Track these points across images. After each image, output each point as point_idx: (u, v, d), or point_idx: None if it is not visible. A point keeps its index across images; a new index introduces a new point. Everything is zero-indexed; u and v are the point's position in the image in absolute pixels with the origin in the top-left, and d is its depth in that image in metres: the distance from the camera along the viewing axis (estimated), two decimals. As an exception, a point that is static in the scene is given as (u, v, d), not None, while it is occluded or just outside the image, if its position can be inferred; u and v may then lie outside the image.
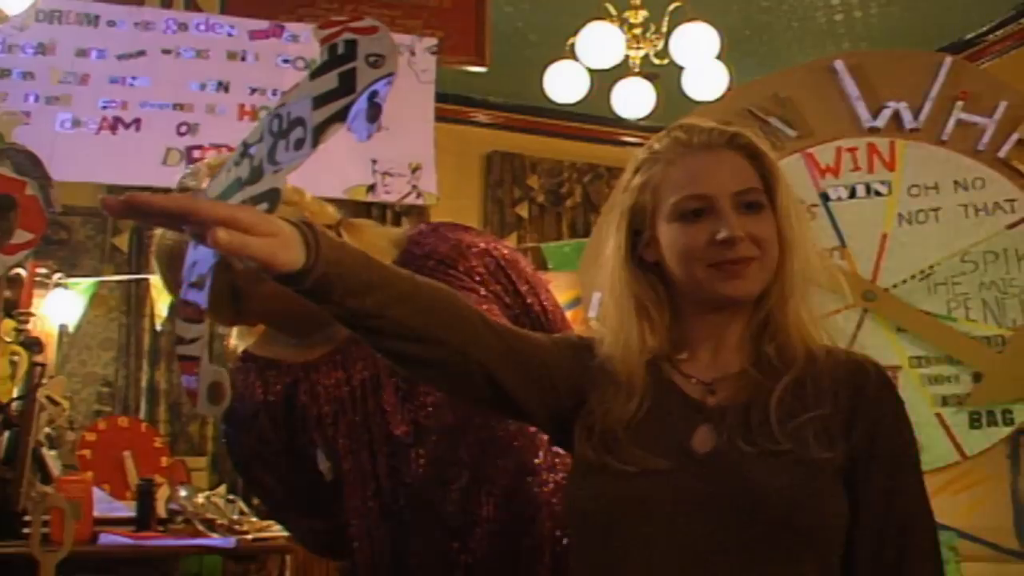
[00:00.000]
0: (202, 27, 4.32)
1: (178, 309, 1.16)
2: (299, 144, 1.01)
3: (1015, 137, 3.08)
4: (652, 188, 1.33)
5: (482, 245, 1.66)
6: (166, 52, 4.23)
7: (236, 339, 1.71)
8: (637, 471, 1.23)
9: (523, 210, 6.03)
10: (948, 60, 3.26)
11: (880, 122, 3.20)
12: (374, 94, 0.96)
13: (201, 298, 1.08)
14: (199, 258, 1.08)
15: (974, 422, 2.94)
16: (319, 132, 1.00)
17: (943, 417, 2.95)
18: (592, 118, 5.61)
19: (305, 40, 4.21)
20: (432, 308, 1.22)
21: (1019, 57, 5.14)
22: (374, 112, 0.95)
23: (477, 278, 1.62)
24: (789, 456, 1.20)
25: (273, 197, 1.03)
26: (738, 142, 1.33)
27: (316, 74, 1.02)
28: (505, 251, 1.69)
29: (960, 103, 3.15)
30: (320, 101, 1.01)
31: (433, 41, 4.46)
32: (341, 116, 0.99)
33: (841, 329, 2.96)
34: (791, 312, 1.30)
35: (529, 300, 1.68)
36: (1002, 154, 3.09)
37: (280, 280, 1.08)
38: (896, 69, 3.29)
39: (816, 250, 1.36)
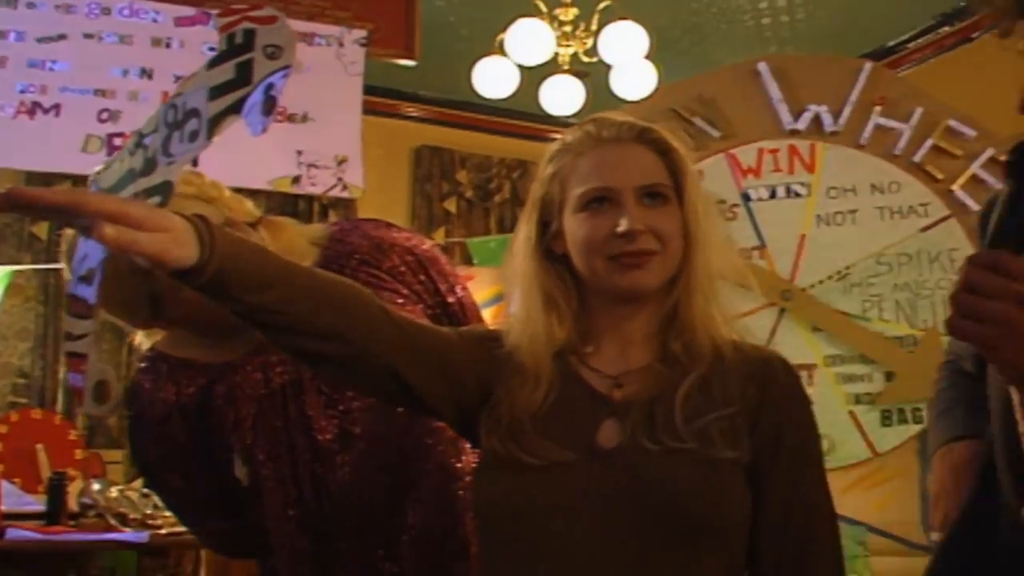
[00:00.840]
0: (126, 12, 4.23)
1: (67, 304, 1.13)
2: (193, 136, 0.99)
3: (930, 143, 3.16)
4: (560, 179, 1.33)
5: (403, 243, 1.64)
6: (88, 36, 4.14)
7: (143, 336, 1.65)
8: (543, 464, 1.23)
9: (451, 205, 6.01)
10: (868, 66, 3.33)
11: (801, 124, 3.26)
12: (270, 86, 0.94)
13: (90, 293, 1.05)
14: (89, 252, 1.05)
15: (885, 420, 3.01)
16: (214, 124, 0.98)
17: (856, 415, 3.02)
18: (521, 114, 5.61)
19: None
20: (333, 304, 1.21)
21: (938, 65, 5.25)
22: (269, 105, 0.93)
23: (399, 277, 1.60)
24: (692, 454, 1.21)
25: (166, 190, 1.01)
26: (647, 137, 1.33)
27: (213, 64, 1.00)
28: (425, 248, 1.68)
29: (878, 108, 3.22)
30: (216, 92, 0.99)
31: (362, 33, 4.43)
32: (236, 108, 0.97)
33: (760, 327, 3.01)
34: (697, 307, 1.31)
35: (449, 298, 1.67)
36: (917, 159, 3.17)
37: (175, 276, 1.06)
38: (818, 73, 3.35)
39: (725, 247, 1.37)
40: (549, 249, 1.35)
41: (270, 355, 1.54)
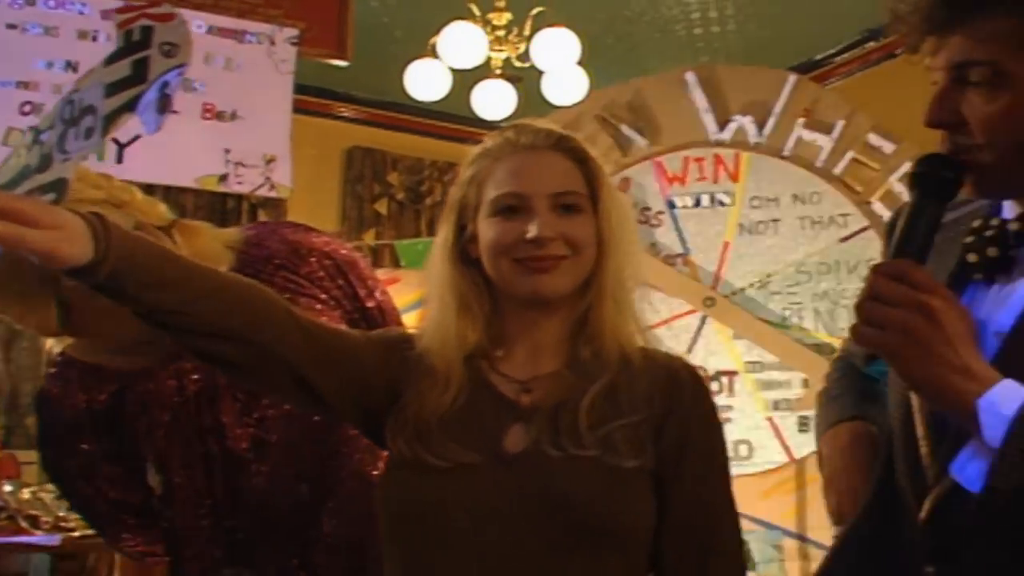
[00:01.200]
0: (52, 3, 4.14)
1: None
2: (89, 133, 0.98)
3: (850, 155, 3.22)
4: (477, 183, 1.33)
5: (322, 247, 1.63)
6: (11, 27, 4.04)
7: (54, 341, 1.60)
8: (449, 467, 1.23)
9: (382, 207, 5.98)
10: (792, 78, 3.39)
11: (727, 134, 3.31)
12: (165, 84, 0.93)
13: None
14: None
15: (803, 426, 3.06)
16: (109, 121, 0.97)
17: (774, 421, 3.07)
18: (454, 117, 5.59)
19: (160, 23, 4.08)
20: (236, 305, 1.20)
21: (863, 79, 5.36)
22: (164, 103, 0.92)
23: (317, 282, 1.59)
24: (595, 461, 1.22)
25: (60, 187, 0.99)
26: (565, 145, 1.34)
27: (111, 60, 0.99)
28: (344, 252, 1.66)
29: (802, 120, 3.28)
30: (112, 89, 0.97)
31: (294, 32, 4.38)
32: (131, 106, 0.96)
33: (682, 333, 3.05)
34: (607, 315, 1.31)
35: (368, 303, 1.66)
36: (838, 171, 3.23)
37: (70, 275, 1.04)
38: (744, 84, 3.41)
39: (639, 256, 1.38)
40: (465, 252, 1.35)
41: (184, 362, 1.52)
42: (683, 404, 1.30)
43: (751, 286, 3.15)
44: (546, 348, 1.33)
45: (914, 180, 1.16)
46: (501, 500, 1.22)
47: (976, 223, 1.20)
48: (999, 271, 1.17)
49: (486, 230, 1.31)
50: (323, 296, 1.59)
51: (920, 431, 1.17)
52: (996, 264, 1.17)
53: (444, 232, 1.37)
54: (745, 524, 3.06)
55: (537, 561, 1.20)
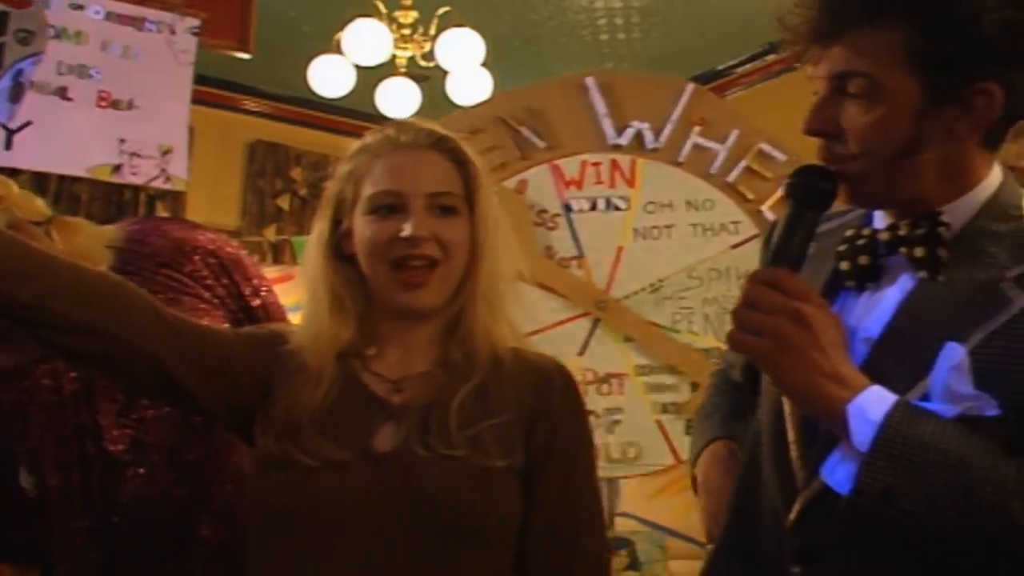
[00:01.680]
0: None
1: None
2: (-62, 118, 0.95)
3: (743, 164, 3.28)
4: (355, 179, 1.34)
5: (206, 245, 1.61)
6: None
7: None
8: (318, 465, 1.23)
9: (284, 202, 5.93)
10: (690, 87, 3.44)
11: (624, 140, 3.34)
12: (19, 72, 0.91)
13: None
14: None
15: (690, 428, 3.09)
16: (-43, 107, 0.94)
17: (662, 423, 3.11)
18: (358, 114, 5.56)
19: (56, 6, 3.98)
20: (97, 300, 1.18)
21: (764, 90, 5.49)
22: (17, 91, 0.90)
23: (201, 281, 1.57)
24: (463, 461, 1.24)
25: None
26: (444, 146, 1.35)
27: (-38, 45, 0.96)
28: (229, 250, 1.65)
29: (697, 128, 3.33)
30: None
31: (195, 22, 4.29)
32: (-19, 92, 0.93)
33: (574, 335, 3.08)
34: (480, 317, 1.33)
35: (253, 302, 1.65)
36: (731, 179, 3.29)
37: None
38: (643, 91, 3.44)
39: (515, 259, 1.40)
40: (340, 249, 1.35)
41: (60, 361, 1.49)
42: (552, 405, 1.32)
43: (643, 290, 3.18)
44: (418, 348, 1.34)
45: (789, 191, 1.20)
46: (369, 499, 1.22)
47: (849, 232, 1.24)
48: (869, 279, 1.22)
49: (362, 228, 1.31)
50: (206, 295, 1.58)
51: (791, 435, 1.21)
52: (866, 272, 1.22)
53: (320, 227, 1.37)
54: (632, 524, 3.11)
55: (405, 560, 1.21)
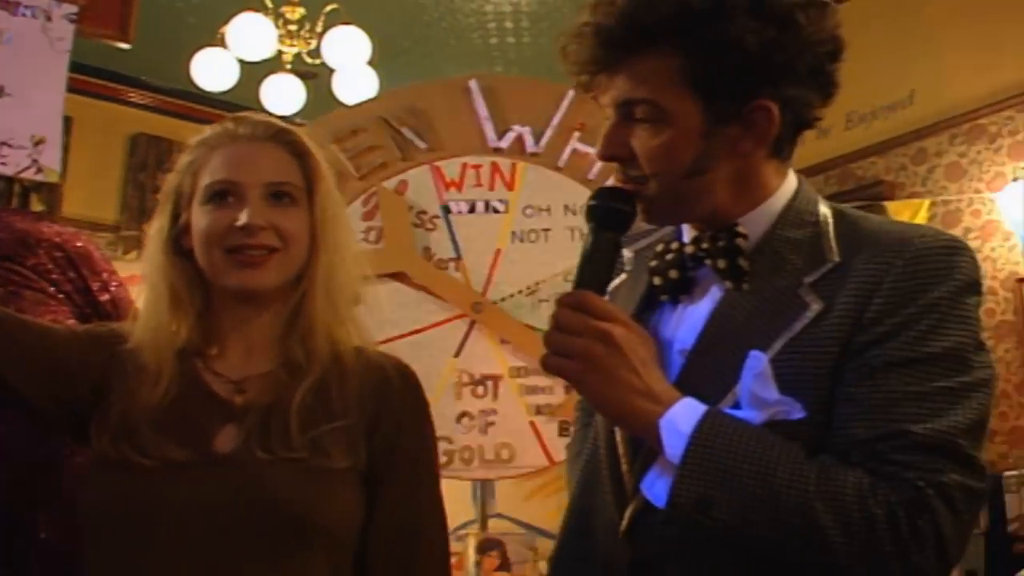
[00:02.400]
0: None
1: None
2: None
3: (620, 170, 3.34)
4: (193, 171, 1.32)
5: (53, 238, 1.57)
6: None
7: None
8: (155, 466, 1.21)
9: (163, 192, 5.80)
10: (571, 92, 3.46)
11: (505, 143, 3.36)
12: None
13: None
14: None
15: (563, 431, 3.14)
16: None
17: (536, 425, 3.13)
18: (243, 109, 5.42)
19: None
20: None
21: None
22: None
23: (46, 275, 1.53)
24: (304, 464, 1.23)
25: None
26: (284, 138, 1.35)
27: None
28: (78, 244, 1.61)
29: (577, 133, 3.36)
30: None
31: (72, 8, 4.14)
32: None
33: (451, 337, 3.08)
34: (318, 311, 1.32)
35: (101, 297, 1.61)
36: (609, 184, 3.33)
37: None
38: (525, 95, 3.46)
39: (356, 254, 1.39)
40: (178, 243, 1.33)
41: None
42: (394, 406, 1.32)
43: (520, 293, 3.21)
44: (259, 346, 1.33)
45: (589, 213, 1.22)
46: (207, 500, 1.21)
47: (659, 248, 1.28)
48: (682, 291, 1.26)
49: (198, 219, 1.30)
50: (51, 289, 1.53)
51: (621, 449, 1.24)
52: (678, 285, 1.25)
53: (159, 222, 1.35)
54: (506, 525, 3.13)
55: (242, 562, 1.20)
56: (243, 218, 1.26)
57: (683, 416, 1.10)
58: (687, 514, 1.07)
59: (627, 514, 1.20)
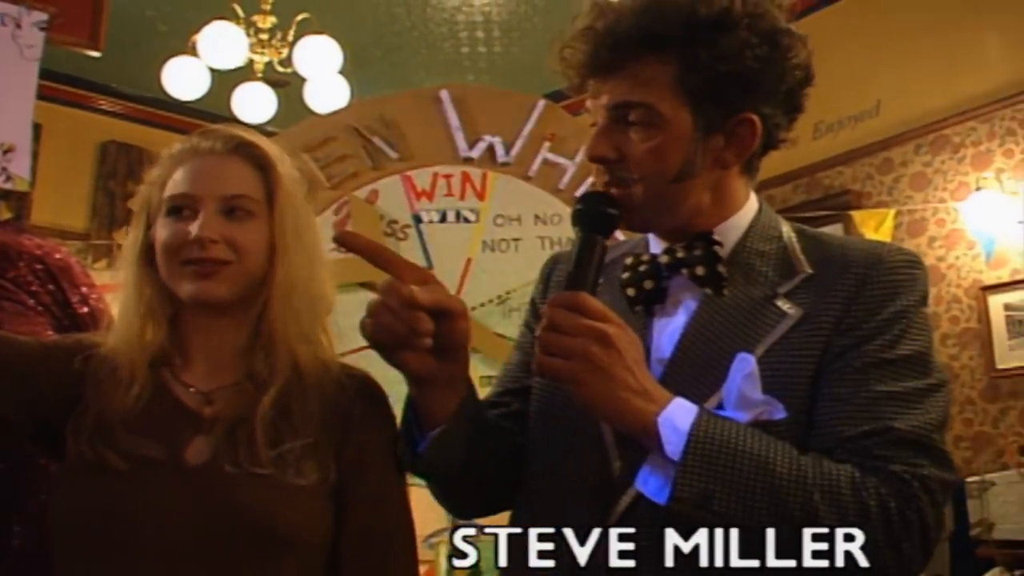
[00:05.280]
0: None
1: None
2: None
3: (591, 180, 3.34)
4: (159, 185, 1.34)
5: (33, 250, 1.57)
6: None
7: None
8: (129, 469, 1.22)
9: (136, 205, 5.78)
10: (541, 103, 3.50)
11: (476, 153, 3.38)
12: None
13: None
14: None
15: (533, 439, 3.16)
16: None
17: (507, 433, 3.15)
18: (214, 117, 5.42)
19: None
20: None
21: (620, 107, 5.62)
22: None
23: (25, 287, 1.53)
24: (271, 479, 1.23)
25: None
26: (245, 151, 1.35)
27: None
28: (58, 257, 1.61)
29: (548, 144, 3.39)
30: None
31: (43, 16, 4.14)
32: None
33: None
34: (279, 323, 1.32)
35: (80, 309, 1.61)
36: (579, 194, 3.36)
37: None
38: (496, 105, 3.49)
39: (318, 266, 1.39)
40: (150, 255, 1.35)
41: None
42: (360, 418, 1.33)
43: (491, 302, 3.22)
44: (225, 358, 1.33)
45: (576, 217, 1.24)
46: (177, 512, 1.21)
47: (629, 260, 1.30)
48: (656, 301, 1.28)
49: (160, 231, 1.32)
50: (31, 302, 1.54)
51: (612, 449, 1.24)
52: (652, 295, 1.28)
53: (134, 232, 1.36)
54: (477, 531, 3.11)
55: (210, 571, 1.21)
56: (194, 230, 1.28)
57: (679, 415, 1.13)
58: (689, 509, 1.10)
59: (618, 510, 1.21)
